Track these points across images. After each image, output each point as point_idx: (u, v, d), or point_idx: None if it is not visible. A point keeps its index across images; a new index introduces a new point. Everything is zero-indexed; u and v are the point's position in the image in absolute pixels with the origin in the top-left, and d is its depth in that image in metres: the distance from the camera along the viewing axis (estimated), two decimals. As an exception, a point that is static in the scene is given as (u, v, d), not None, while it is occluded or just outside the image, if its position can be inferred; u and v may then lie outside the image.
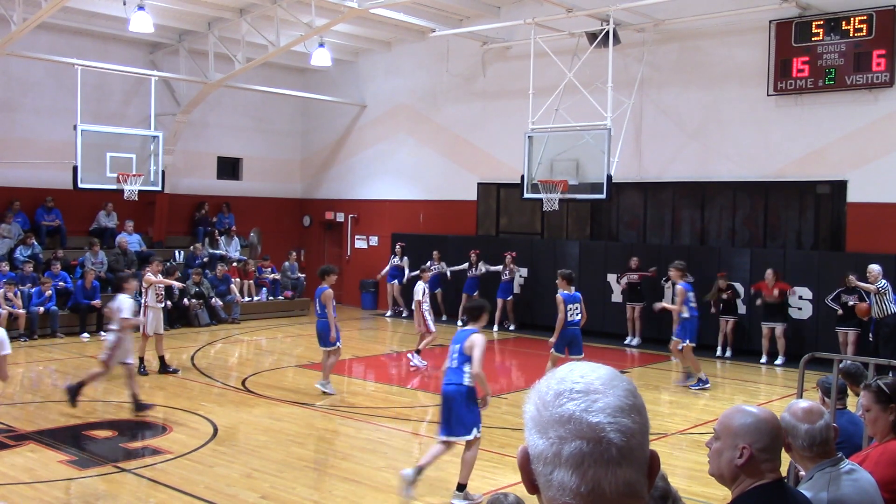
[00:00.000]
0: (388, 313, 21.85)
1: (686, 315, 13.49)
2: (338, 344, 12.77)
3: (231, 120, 23.85)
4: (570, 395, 1.44)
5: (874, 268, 14.57)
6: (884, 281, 14.46)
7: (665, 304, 15.01)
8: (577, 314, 12.49)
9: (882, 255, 15.52)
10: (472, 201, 21.91)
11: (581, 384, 1.46)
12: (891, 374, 6.31)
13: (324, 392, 12.61)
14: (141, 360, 13.72)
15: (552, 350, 12.57)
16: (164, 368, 13.98)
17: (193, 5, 19.35)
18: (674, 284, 14.11)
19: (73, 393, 11.01)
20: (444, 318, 20.45)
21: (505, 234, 21.49)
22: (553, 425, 1.43)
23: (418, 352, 15.02)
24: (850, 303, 14.98)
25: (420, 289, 14.96)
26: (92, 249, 19.34)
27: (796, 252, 17.01)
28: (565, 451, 1.41)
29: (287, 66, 23.77)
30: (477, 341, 7.97)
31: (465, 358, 7.98)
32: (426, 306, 15.00)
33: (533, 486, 1.47)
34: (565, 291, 12.55)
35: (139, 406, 11.14)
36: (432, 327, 15.01)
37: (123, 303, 11.31)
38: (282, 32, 18.83)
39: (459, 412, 7.93)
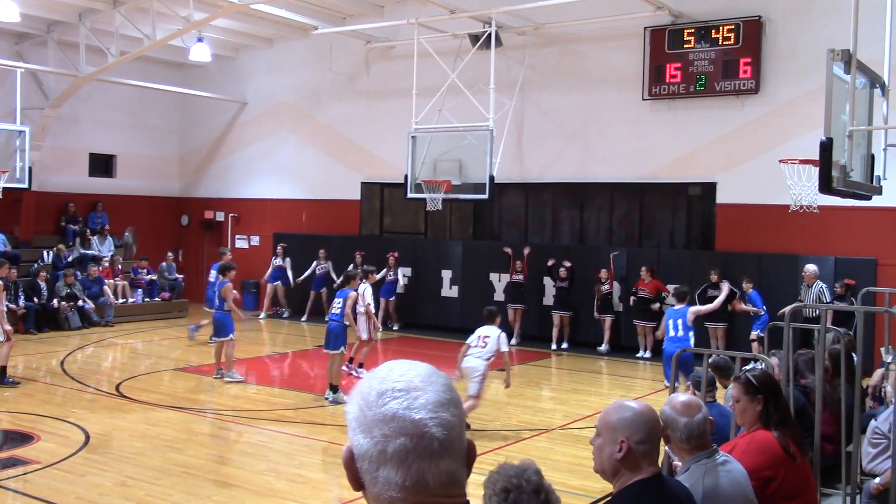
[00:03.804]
0: (262, 315, 21.40)
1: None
2: (231, 335, 13.39)
3: (104, 115, 22.96)
4: (392, 395, 1.50)
5: (810, 268, 14.68)
6: (821, 283, 14.61)
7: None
8: (338, 307, 12.34)
9: (747, 253, 16.31)
10: (356, 201, 21.80)
11: (402, 382, 1.52)
12: (756, 365, 6.61)
13: (231, 382, 13.25)
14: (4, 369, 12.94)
15: None
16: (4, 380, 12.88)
17: (63, -6, 18.56)
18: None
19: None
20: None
21: (389, 234, 21.46)
22: (377, 424, 1.49)
23: (361, 365, 13.91)
24: (716, 295, 15.66)
25: (369, 292, 13.84)
26: (-49, 250, 18.29)
27: (670, 251, 17.66)
28: (390, 449, 1.47)
29: (164, 60, 23.06)
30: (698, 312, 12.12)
31: (690, 328, 11.62)
32: (372, 309, 13.96)
33: (358, 484, 1.52)
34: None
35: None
36: (368, 335, 13.90)
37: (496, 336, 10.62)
38: (158, 26, 18.24)
39: (686, 368, 10.36)
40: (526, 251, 18.03)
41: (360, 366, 13.96)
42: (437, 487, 1.48)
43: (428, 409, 1.48)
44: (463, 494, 1.53)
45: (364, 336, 13.80)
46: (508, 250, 18.24)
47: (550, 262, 17.62)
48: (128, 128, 23.60)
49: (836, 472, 6.71)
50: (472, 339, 10.66)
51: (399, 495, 1.46)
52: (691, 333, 11.86)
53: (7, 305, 13.89)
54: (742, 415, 4.63)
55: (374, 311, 14.05)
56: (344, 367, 13.82)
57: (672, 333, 11.72)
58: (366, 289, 13.73)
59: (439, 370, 1.57)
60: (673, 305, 11.58)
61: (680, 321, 11.65)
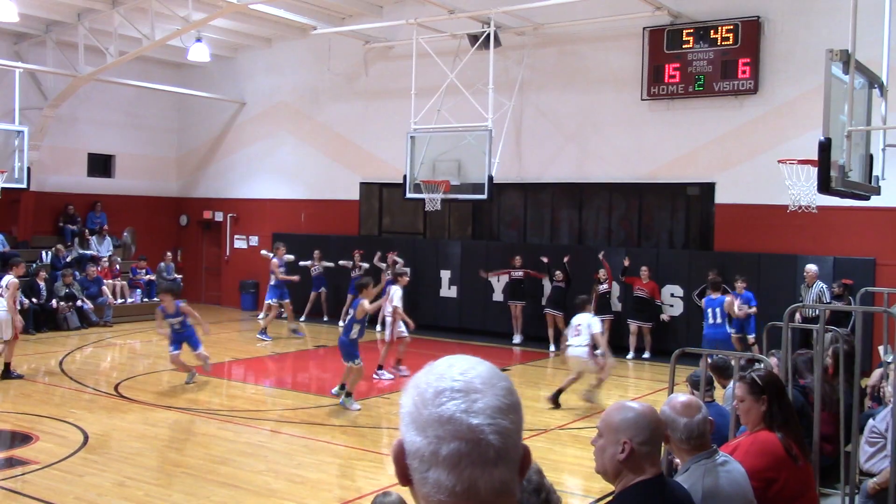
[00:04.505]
0: (260, 316, 21.34)
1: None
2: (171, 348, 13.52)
3: (103, 115, 22.93)
4: (450, 395, 1.43)
5: (811, 268, 14.71)
6: (821, 283, 14.60)
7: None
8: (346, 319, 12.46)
9: (746, 253, 16.30)
10: (355, 201, 21.78)
11: (461, 382, 1.45)
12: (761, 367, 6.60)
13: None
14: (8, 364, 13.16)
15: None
16: (9, 374, 13.34)
17: (61, -6, 18.53)
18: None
19: (555, 399, 11.86)
20: (325, 318, 20.28)
21: (387, 234, 21.45)
22: (432, 424, 1.42)
23: (398, 362, 14.02)
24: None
25: (398, 294, 13.88)
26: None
27: (668, 251, 17.65)
28: (443, 451, 1.41)
29: (163, 60, 23.03)
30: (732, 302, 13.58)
31: (726, 315, 13.35)
32: (400, 310, 13.89)
33: (406, 480, 1.47)
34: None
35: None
36: (391, 337, 13.99)
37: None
38: (157, 26, 18.22)
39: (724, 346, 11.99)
40: (547, 260, 17.87)
41: (398, 363, 14.04)
42: (489, 495, 1.42)
43: (486, 415, 1.42)
44: (514, 503, 1.48)
45: (386, 338, 13.81)
46: (483, 274, 18.46)
47: (546, 260, 17.62)
48: (126, 128, 23.58)
49: (834, 471, 6.71)
50: (568, 331, 12.05)
51: (448, 499, 1.41)
52: (727, 319, 13.59)
53: None
54: (746, 414, 4.61)
55: (401, 311, 13.91)
56: (390, 375, 13.87)
57: (711, 321, 13.36)
58: (395, 290, 13.80)
59: (500, 371, 1.50)
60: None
61: (718, 310, 13.35)
